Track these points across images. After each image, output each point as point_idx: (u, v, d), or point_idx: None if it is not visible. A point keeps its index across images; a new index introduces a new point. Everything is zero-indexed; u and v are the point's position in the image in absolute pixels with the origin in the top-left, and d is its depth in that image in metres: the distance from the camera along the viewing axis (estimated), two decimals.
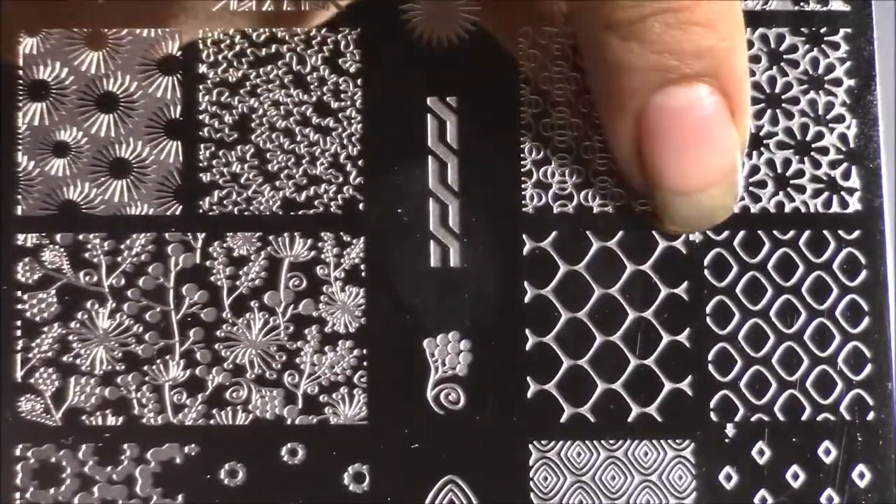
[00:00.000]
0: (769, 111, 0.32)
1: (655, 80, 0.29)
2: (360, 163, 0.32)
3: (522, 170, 0.32)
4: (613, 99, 0.30)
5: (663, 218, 0.31)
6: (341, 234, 0.32)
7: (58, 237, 0.32)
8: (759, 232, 0.32)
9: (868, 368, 0.32)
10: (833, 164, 0.32)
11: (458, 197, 0.32)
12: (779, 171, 0.32)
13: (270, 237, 0.32)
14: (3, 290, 0.31)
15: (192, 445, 0.31)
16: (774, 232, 0.32)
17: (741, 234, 0.32)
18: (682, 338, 0.32)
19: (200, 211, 0.32)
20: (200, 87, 0.32)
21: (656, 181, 0.30)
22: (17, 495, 0.31)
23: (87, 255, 0.32)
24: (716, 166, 0.30)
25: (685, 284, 0.32)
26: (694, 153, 0.29)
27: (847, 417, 0.32)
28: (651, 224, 0.32)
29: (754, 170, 0.32)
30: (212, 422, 0.31)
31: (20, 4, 0.32)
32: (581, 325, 0.32)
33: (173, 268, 0.32)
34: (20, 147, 0.32)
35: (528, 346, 0.32)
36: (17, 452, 0.31)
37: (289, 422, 0.31)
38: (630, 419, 0.32)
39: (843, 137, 0.33)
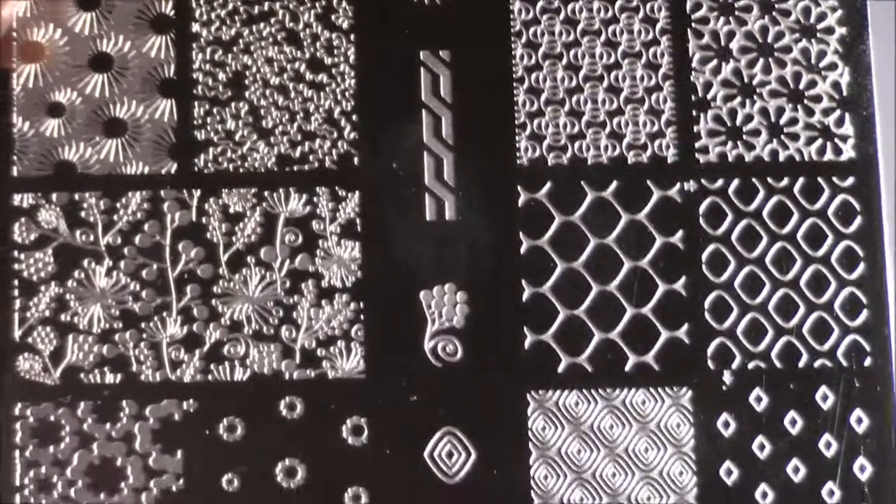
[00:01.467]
0: (762, 60, 0.33)
1: None
2: (354, 118, 0.32)
3: (516, 122, 0.32)
4: None
5: None
6: (336, 188, 0.32)
7: (54, 197, 0.32)
8: (754, 180, 0.32)
9: (864, 314, 0.32)
10: (826, 112, 0.32)
11: (452, 151, 0.32)
12: (772, 119, 0.32)
13: (266, 193, 0.32)
14: (1, 250, 0.32)
15: (191, 401, 0.31)
16: (769, 180, 0.32)
17: (735, 182, 0.32)
18: (678, 286, 0.32)
19: (196, 168, 0.32)
20: (194, 45, 0.32)
21: None
22: (17, 453, 0.31)
23: (83, 214, 0.32)
24: None
25: (680, 233, 0.32)
26: None
27: (844, 363, 0.32)
28: None
29: (748, 118, 0.32)
30: (210, 377, 0.31)
31: None
32: (577, 276, 0.32)
33: (169, 225, 0.32)
34: (15, 108, 0.32)
35: (524, 297, 0.32)
36: (16, 411, 0.31)
37: (287, 376, 0.31)
38: (627, 368, 0.32)
39: (836, 85, 0.33)
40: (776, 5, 0.33)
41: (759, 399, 0.32)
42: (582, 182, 0.32)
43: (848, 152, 0.32)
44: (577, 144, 0.32)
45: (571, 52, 0.32)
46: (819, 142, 0.32)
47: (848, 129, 0.32)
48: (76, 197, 0.32)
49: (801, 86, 0.33)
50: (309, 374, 0.31)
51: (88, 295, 0.32)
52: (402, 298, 0.32)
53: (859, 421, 0.32)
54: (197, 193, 0.32)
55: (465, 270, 0.32)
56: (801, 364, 0.32)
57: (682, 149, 0.32)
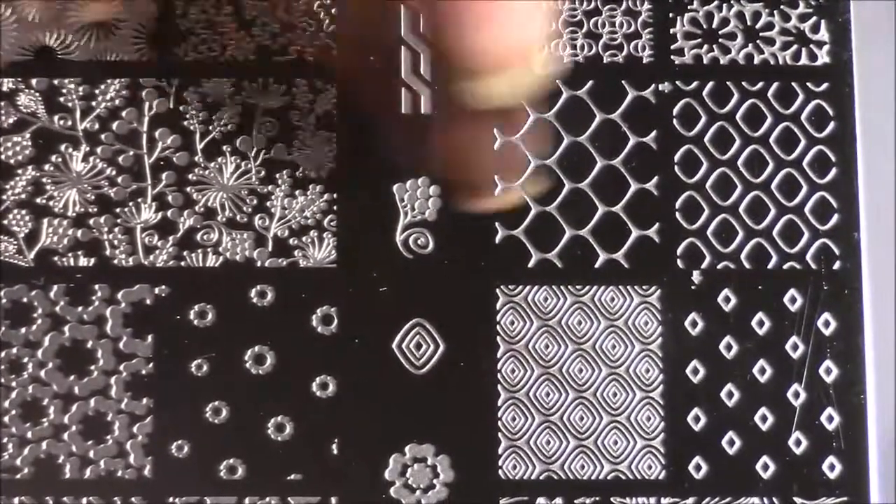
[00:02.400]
0: None
1: None
2: (333, 11, 0.32)
3: None
4: None
5: (465, 99, 0.30)
6: (314, 80, 0.32)
7: (34, 82, 0.32)
8: (728, 83, 0.32)
9: (835, 218, 0.32)
10: (802, 18, 0.33)
11: (429, 46, 0.32)
12: (748, 23, 0.33)
13: (244, 83, 0.32)
14: None
15: (163, 287, 0.32)
16: (743, 83, 0.32)
17: (710, 84, 0.32)
18: (651, 186, 0.32)
19: (175, 57, 0.32)
20: None
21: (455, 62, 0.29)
22: None
23: (62, 99, 0.32)
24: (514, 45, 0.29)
25: (654, 134, 0.32)
26: (488, 32, 0.29)
27: (813, 266, 0.32)
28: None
29: (724, 22, 0.32)
30: (182, 263, 0.32)
31: None
32: (550, 173, 0.32)
33: (147, 112, 0.32)
34: None
35: (496, 192, 0.32)
36: None
37: (259, 264, 0.32)
38: (597, 265, 0.32)
39: None
40: None
41: (727, 299, 0.32)
42: (557, 81, 0.32)
43: (823, 58, 0.32)
44: (552, 43, 0.32)
45: None
46: (794, 47, 0.32)
47: (823, 34, 0.33)
48: (55, 82, 0.32)
49: None
50: (281, 263, 0.32)
51: (65, 179, 0.32)
52: (375, 190, 0.32)
53: (827, 324, 0.32)
54: (175, 82, 0.32)
55: (438, 164, 0.32)
56: (770, 266, 0.32)
57: (658, 50, 0.32)
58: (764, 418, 0.31)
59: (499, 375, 0.31)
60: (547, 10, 0.30)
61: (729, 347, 0.32)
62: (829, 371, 0.32)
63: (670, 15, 0.32)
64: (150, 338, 0.31)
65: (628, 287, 0.32)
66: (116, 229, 0.32)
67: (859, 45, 0.32)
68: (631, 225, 0.32)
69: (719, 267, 0.32)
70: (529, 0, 0.29)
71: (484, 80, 0.29)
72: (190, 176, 0.32)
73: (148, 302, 0.31)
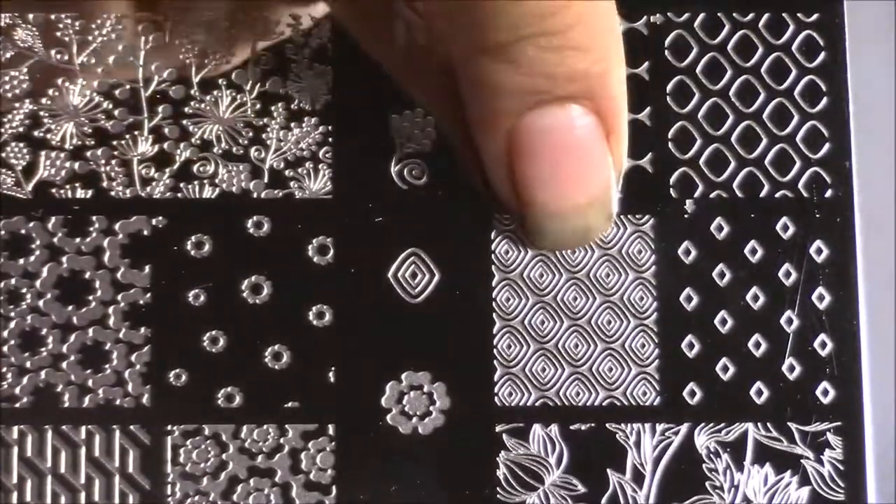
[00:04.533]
0: None
1: (527, 101, 0.28)
2: None
3: None
4: (486, 119, 0.29)
5: (534, 238, 0.31)
6: (309, 13, 0.32)
7: (30, 16, 0.32)
8: (720, 14, 0.33)
9: (826, 147, 0.32)
10: None
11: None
12: None
13: (239, 17, 0.32)
14: None
15: (160, 218, 0.32)
16: (734, 14, 0.33)
17: (701, 16, 0.33)
18: (643, 116, 0.32)
19: None
20: None
21: (528, 200, 0.30)
22: None
23: (58, 33, 0.32)
24: (589, 187, 0.30)
25: (646, 65, 0.32)
26: (566, 173, 0.29)
27: (805, 194, 0.32)
28: (521, 241, 0.32)
29: None
30: (179, 195, 0.32)
31: None
32: None
33: (143, 46, 0.32)
34: None
35: None
36: None
37: (255, 195, 0.32)
38: None
39: None
40: None
41: (720, 228, 0.32)
42: None
43: None
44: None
45: None
46: None
47: None
48: (52, 17, 0.32)
49: None
50: (276, 194, 0.32)
51: (62, 112, 0.32)
52: (370, 121, 0.32)
53: (819, 251, 0.32)
54: (171, 15, 0.32)
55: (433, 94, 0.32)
56: (762, 194, 0.32)
57: None
58: (757, 345, 0.32)
59: (494, 304, 0.32)
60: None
61: (722, 275, 0.32)
62: (821, 298, 0.32)
63: None
64: (147, 268, 0.32)
65: (622, 216, 0.32)
66: (113, 161, 0.32)
67: None
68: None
69: (712, 196, 0.32)
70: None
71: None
72: (186, 109, 0.32)
73: (145, 233, 0.32)
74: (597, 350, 0.32)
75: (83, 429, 0.31)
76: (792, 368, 0.32)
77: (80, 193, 0.32)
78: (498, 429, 0.31)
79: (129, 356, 0.31)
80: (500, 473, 0.31)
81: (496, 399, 0.31)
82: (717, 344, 0.32)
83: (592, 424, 0.31)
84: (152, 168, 0.32)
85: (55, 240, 0.32)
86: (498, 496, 0.31)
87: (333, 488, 0.31)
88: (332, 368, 0.31)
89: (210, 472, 0.31)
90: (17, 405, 0.31)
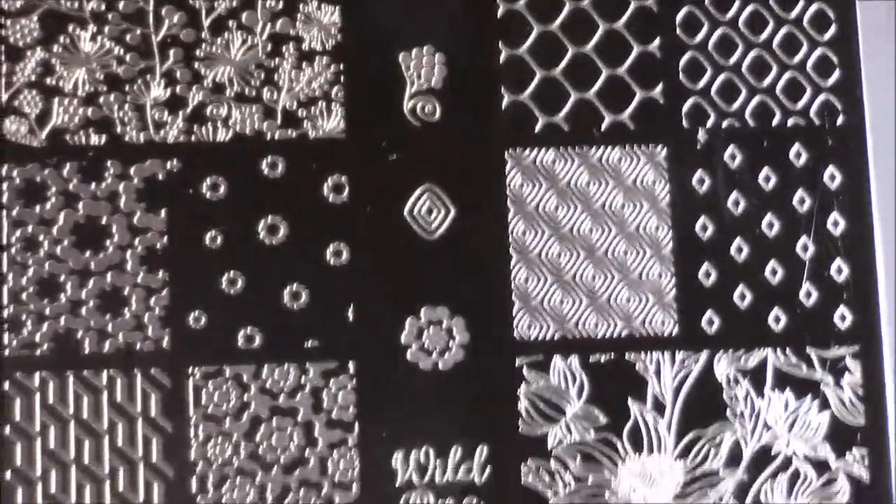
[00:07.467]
0: None
1: None
2: None
3: None
4: None
5: None
6: None
7: None
8: None
9: (836, 74, 0.32)
10: None
11: None
12: None
13: None
14: None
15: (174, 161, 0.32)
16: None
17: None
18: (653, 47, 0.32)
19: None
20: None
21: None
22: (3, 213, 0.31)
23: None
24: None
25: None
26: None
27: (817, 122, 0.32)
28: None
29: None
30: (193, 138, 0.32)
31: None
32: (553, 38, 0.32)
33: None
34: None
35: (501, 59, 0.32)
36: (3, 172, 0.32)
37: (268, 136, 0.32)
38: (603, 127, 0.32)
39: None
40: None
41: (733, 156, 0.32)
42: None
43: None
44: None
45: None
46: None
47: None
48: None
49: None
50: (290, 134, 0.32)
51: (73, 59, 0.32)
52: (381, 60, 0.32)
53: (832, 177, 0.32)
54: None
55: (443, 31, 0.32)
56: (774, 123, 0.32)
57: None
58: (774, 272, 0.32)
59: (510, 237, 0.32)
60: None
61: (737, 203, 0.32)
62: (836, 223, 0.32)
63: None
64: (163, 212, 0.32)
65: (635, 147, 0.32)
66: (126, 107, 0.32)
67: None
68: (635, 86, 0.32)
69: (724, 125, 0.32)
70: None
71: None
72: (197, 52, 0.32)
73: (160, 177, 0.32)
74: (614, 281, 0.32)
75: (104, 374, 0.31)
76: (809, 294, 0.32)
77: (93, 139, 0.32)
78: (518, 362, 0.31)
79: (148, 300, 0.31)
80: (521, 406, 0.31)
81: (515, 333, 0.31)
82: (734, 272, 0.32)
83: (612, 355, 0.32)
84: (165, 112, 0.32)
85: (70, 186, 0.32)
86: (520, 429, 0.31)
87: (356, 426, 0.31)
88: (351, 306, 0.31)
89: (232, 413, 0.31)
90: (38, 353, 0.31)
